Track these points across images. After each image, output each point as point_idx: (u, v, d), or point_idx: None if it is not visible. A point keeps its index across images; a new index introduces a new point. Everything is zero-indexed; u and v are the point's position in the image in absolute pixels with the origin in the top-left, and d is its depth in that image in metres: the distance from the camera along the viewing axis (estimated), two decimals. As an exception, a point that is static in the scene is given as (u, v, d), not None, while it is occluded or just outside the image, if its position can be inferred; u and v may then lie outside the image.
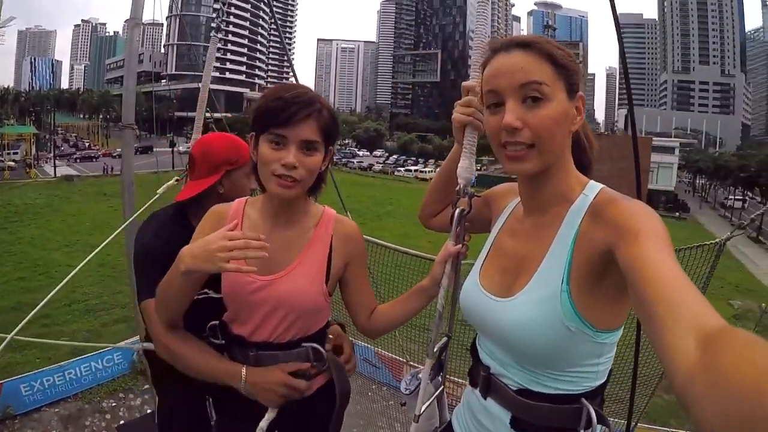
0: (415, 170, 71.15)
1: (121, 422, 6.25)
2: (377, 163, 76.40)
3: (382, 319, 1.66)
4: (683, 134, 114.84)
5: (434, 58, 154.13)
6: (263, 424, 1.52)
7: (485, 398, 1.27)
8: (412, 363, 5.71)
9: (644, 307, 0.80)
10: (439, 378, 1.56)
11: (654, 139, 61.64)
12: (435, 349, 1.51)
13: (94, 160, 60.51)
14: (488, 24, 1.60)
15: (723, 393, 0.52)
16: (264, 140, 1.43)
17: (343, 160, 73.34)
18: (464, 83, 1.46)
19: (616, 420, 3.92)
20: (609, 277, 1.04)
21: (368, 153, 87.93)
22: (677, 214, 50.75)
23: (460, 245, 1.48)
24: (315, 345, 1.58)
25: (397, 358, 6.20)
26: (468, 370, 1.38)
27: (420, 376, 1.54)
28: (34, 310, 2.70)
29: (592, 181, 1.20)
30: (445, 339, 1.55)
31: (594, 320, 1.09)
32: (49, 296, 2.58)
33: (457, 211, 1.45)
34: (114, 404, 6.97)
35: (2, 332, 2.71)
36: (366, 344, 5.51)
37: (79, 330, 11.54)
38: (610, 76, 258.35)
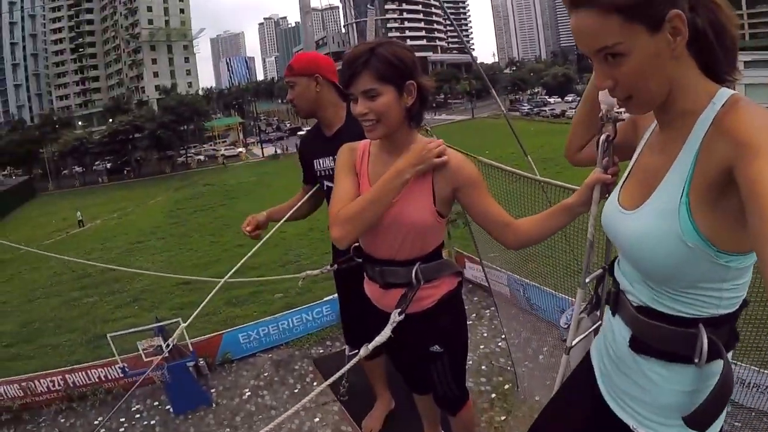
0: (610, 109, 66.15)
1: (317, 358, 6.77)
2: (570, 108, 71.12)
3: (519, 233, 1.74)
4: None
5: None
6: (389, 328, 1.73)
7: (614, 315, 1.28)
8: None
9: (758, 237, 0.76)
10: (597, 313, 1.54)
11: None
12: (588, 280, 1.50)
13: (285, 138, 67.32)
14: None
15: None
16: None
17: (535, 109, 69.73)
18: None
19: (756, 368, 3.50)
20: (732, 194, 0.93)
21: (560, 99, 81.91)
22: None
23: (608, 175, 1.44)
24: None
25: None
26: (608, 291, 1.38)
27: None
28: (245, 258, 3.25)
29: (723, 89, 1.05)
30: (600, 271, 1.51)
31: (715, 239, 1.00)
32: (260, 244, 3.05)
33: (602, 137, 1.40)
34: (321, 351, 7.55)
35: (226, 289, 3.29)
36: (563, 295, 5.45)
37: (292, 287, 12.38)
38: None
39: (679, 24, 0.99)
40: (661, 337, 1.13)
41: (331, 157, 2.54)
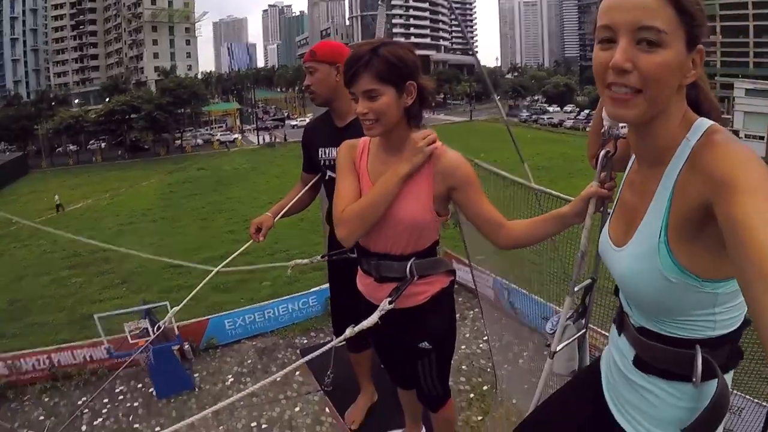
0: (609, 125, 66.35)
1: (303, 348, 6.89)
2: (568, 119, 71.29)
3: (511, 235, 1.79)
4: None
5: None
6: (377, 313, 1.78)
7: (620, 334, 1.32)
8: (594, 328, 5.51)
9: (743, 278, 0.78)
10: (583, 321, 1.59)
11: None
12: (576, 289, 1.55)
13: (281, 126, 67.86)
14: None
15: None
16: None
17: (533, 116, 70.16)
18: None
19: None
20: (710, 227, 0.96)
21: (558, 108, 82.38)
22: None
23: (604, 189, 1.48)
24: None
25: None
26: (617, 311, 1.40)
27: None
28: (239, 251, 3.19)
29: (701, 119, 1.07)
30: (589, 281, 1.57)
31: (697, 270, 1.03)
32: (252, 241, 2.94)
33: (602, 153, 1.43)
34: (305, 341, 7.61)
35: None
36: (546, 302, 5.52)
37: (280, 276, 12.53)
38: None
39: (699, 60, 1.05)
40: (661, 358, 1.18)
41: (338, 148, 2.61)
